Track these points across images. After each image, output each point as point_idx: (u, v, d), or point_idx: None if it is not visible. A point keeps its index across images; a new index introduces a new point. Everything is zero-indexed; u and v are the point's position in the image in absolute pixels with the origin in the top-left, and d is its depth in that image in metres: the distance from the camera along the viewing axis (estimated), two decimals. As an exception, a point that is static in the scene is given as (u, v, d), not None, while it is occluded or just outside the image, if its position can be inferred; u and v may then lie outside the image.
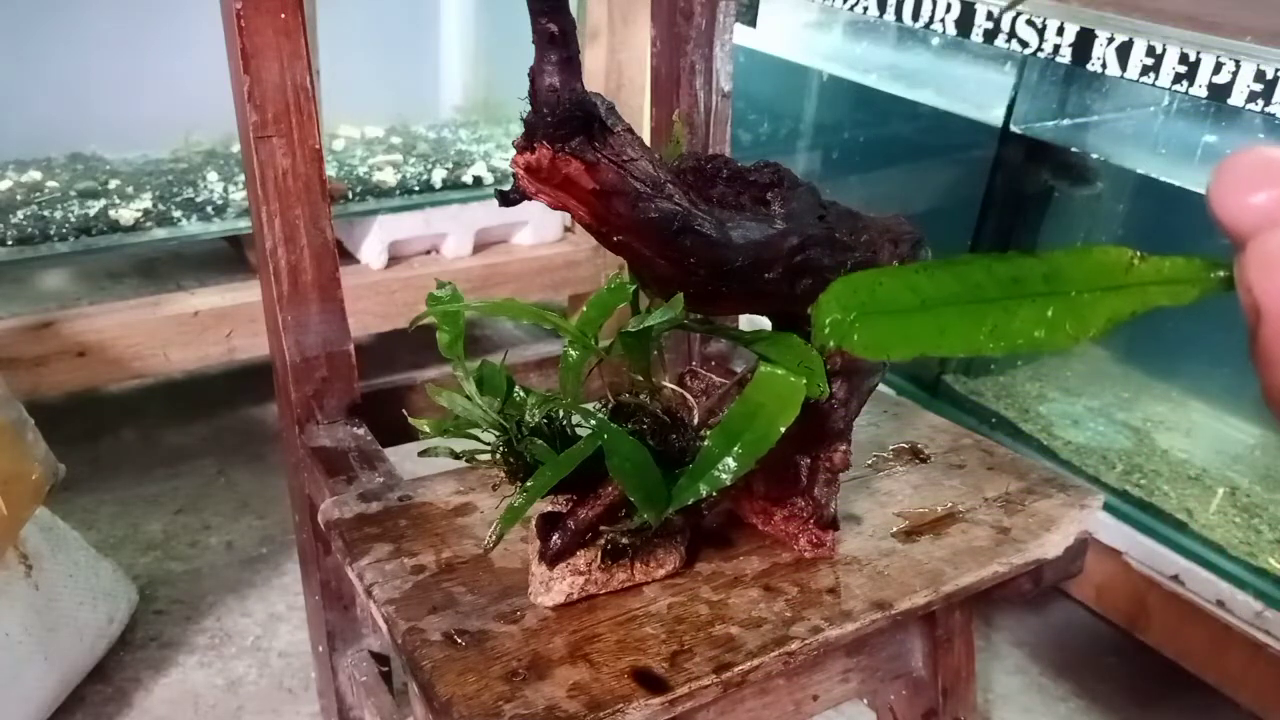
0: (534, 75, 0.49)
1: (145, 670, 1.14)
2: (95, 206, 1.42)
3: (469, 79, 1.92)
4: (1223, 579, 1.06)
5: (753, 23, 1.44)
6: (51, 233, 1.35)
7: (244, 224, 1.47)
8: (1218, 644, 1.04)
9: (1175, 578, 1.08)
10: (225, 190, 1.51)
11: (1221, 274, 0.30)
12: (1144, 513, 1.16)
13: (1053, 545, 0.72)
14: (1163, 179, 1.24)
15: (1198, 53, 1.00)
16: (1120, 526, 1.14)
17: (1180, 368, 1.39)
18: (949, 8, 1.19)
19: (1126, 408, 1.36)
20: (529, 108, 0.50)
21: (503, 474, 0.63)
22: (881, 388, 0.75)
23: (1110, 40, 1.06)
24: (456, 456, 0.64)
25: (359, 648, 0.92)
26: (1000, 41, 1.15)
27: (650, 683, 0.57)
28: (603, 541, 0.61)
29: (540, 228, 1.68)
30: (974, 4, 1.17)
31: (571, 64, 0.48)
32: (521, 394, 0.64)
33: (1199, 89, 1.00)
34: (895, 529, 0.72)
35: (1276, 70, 0.95)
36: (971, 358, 1.41)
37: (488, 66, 1.88)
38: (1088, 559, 0.76)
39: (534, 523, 0.63)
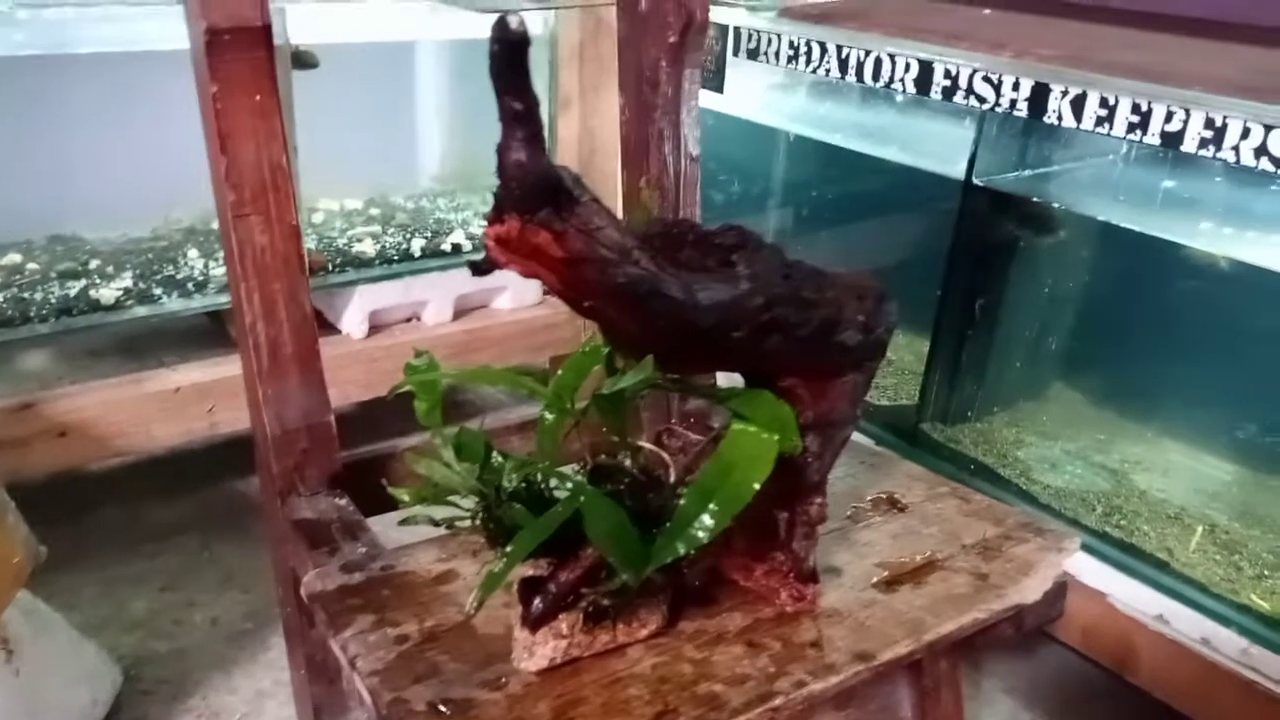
0: (501, 151, 0.51)
1: (130, 753, 1.13)
2: (76, 287, 1.42)
3: (446, 148, 1.95)
4: (1207, 617, 1.07)
5: (719, 88, 1.48)
6: (32, 314, 1.36)
7: (224, 299, 1.48)
8: (1206, 683, 1.04)
9: (1160, 617, 1.09)
10: (206, 266, 1.52)
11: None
12: (1125, 553, 1.17)
13: (1031, 590, 0.72)
14: (1123, 225, 1.27)
15: (1149, 103, 1.03)
16: (1102, 568, 1.14)
17: (1155, 408, 1.41)
18: (908, 67, 1.23)
19: (1104, 449, 1.38)
20: (499, 182, 0.52)
21: (483, 540, 0.63)
22: (859, 438, 0.76)
23: (1064, 93, 1.09)
24: (436, 524, 0.65)
25: (346, 721, 0.91)
26: (959, 98, 1.19)
27: (635, 744, 0.57)
28: (584, 604, 0.61)
29: (519, 292, 1.70)
30: (932, 63, 1.21)
31: (536, 139, 0.50)
32: (499, 459, 0.65)
33: (1152, 137, 1.04)
34: (875, 579, 0.72)
35: (1225, 117, 0.98)
36: (949, 404, 1.43)
37: (464, 135, 1.92)
38: (1073, 601, 0.77)
39: (515, 587, 0.63)
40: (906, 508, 0.82)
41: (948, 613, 0.69)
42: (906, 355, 1.58)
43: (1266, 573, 1.13)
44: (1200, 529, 1.21)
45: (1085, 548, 0.79)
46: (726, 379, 0.98)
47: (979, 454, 1.37)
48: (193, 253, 1.56)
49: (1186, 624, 1.07)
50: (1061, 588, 0.75)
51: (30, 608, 1.08)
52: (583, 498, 0.58)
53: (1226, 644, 1.04)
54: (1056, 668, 1.30)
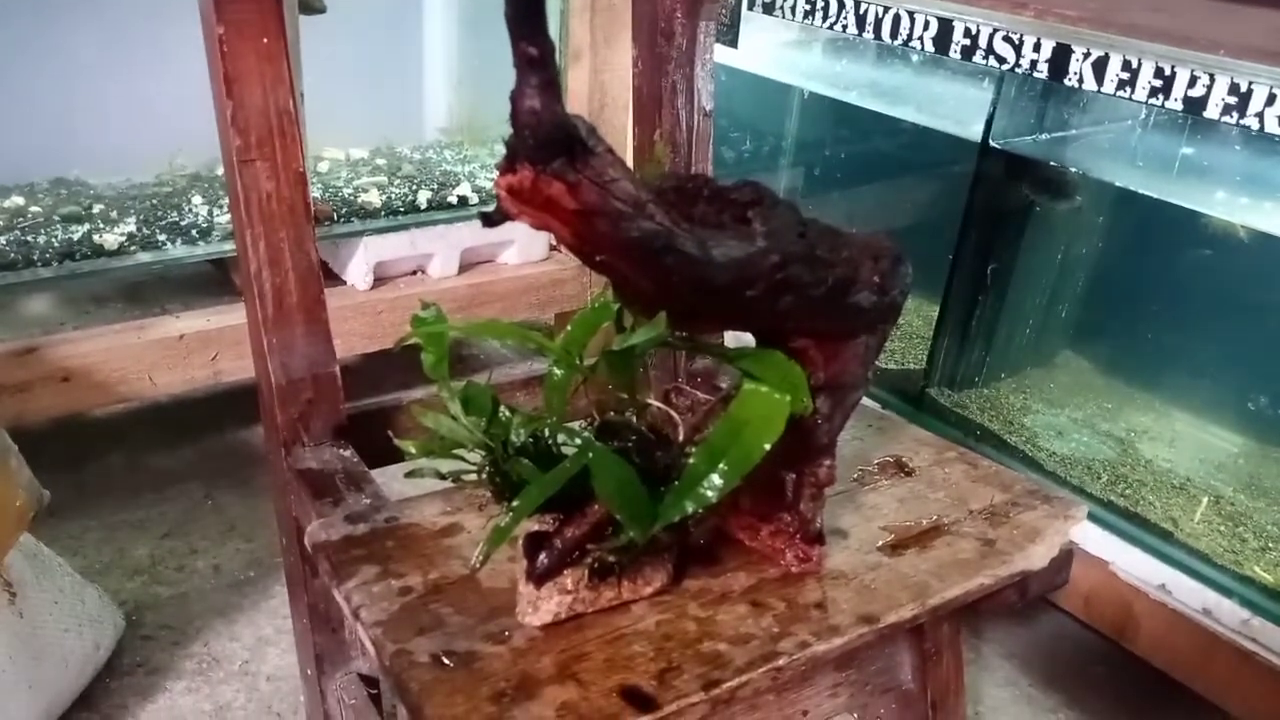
0: (515, 98, 0.49)
1: (132, 697, 1.13)
2: (79, 231, 1.41)
3: (453, 100, 1.92)
4: (1209, 587, 1.07)
5: (734, 43, 1.46)
6: (35, 258, 1.35)
7: (229, 247, 1.47)
8: (1205, 652, 1.05)
9: (1162, 587, 1.09)
10: (210, 213, 1.51)
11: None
12: (1129, 522, 1.17)
13: (1037, 557, 0.72)
14: (1141, 191, 1.26)
15: (1172, 67, 1.01)
16: (1106, 536, 1.14)
17: (1162, 378, 1.40)
18: (927, 25, 1.21)
19: (1110, 418, 1.37)
20: (512, 130, 0.51)
21: (489, 494, 0.63)
22: (867, 402, 0.75)
23: (1086, 55, 1.07)
24: (443, 477, 0.64)
25: (348, 670, 0.91)
26: (978, 58, 1.16)
27: (639, 701, 0.57)
28: (590, 560, 0.61)
29: (526, 247, 1.68)
30: (951, 21, 1.18)
31: (551, 87, 0.49)
32: (507, 414, 0.64)
33: (1174, 102, 1.02)
34: (881, 543, 0.72)
35: (1250, 83, 0.96)
36: (957, 370, 1.42)
37: (472, 87, 1.89)
38: (1075, 569, 0.77)
39: (521, 542, 0.63)
40: (914, 472, 0.81)
41: (953, 577, 0.69)
42: (915, 319, 1.57)
43: (1271, 545, 1.13)
44: (1205, 500, 1.20)
45: (1089, 516, 0.78)
46: (734, 339, 0.97)
47: (985, 420, 1.36)
48: (197, 199, 1.54)
49: (1188, 594, 1.07)
50: (1067, 555, 0.75)
51: (33, 551, 1.08)
52: (591, 454, 0.57)
53: (1228, 615, 1.04)
54: (1055, 634, 1.30)
